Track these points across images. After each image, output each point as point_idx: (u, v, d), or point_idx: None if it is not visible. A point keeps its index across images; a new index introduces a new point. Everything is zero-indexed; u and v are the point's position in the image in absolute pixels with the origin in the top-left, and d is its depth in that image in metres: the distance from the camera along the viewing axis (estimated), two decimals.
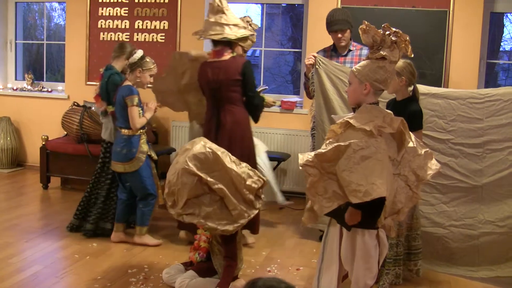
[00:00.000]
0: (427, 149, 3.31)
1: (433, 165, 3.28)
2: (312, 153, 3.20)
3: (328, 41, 6.51)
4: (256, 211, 3.86)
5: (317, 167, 3.15)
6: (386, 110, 3.34)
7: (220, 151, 3.76)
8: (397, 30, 3.17)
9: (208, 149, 3.70)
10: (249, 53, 9.42)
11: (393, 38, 3.15)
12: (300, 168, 3.18)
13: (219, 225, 3.70)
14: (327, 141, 3.23)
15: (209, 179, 3.65)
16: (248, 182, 3.78)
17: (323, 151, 3.14)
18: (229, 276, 3.98)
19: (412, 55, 3.29)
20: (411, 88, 4.19)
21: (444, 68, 6.26)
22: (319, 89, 4.98)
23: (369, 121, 3.14)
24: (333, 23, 5.31)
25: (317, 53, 5.22)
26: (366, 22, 3.23)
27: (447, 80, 6.27)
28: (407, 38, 3.19)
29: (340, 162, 3.09)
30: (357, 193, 3.01)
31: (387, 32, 3.16)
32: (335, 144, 3.12)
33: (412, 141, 3.22)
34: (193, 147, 3.73)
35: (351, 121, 3.15)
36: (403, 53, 3.27)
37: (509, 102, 4.38)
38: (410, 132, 3.28)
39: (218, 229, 3.71)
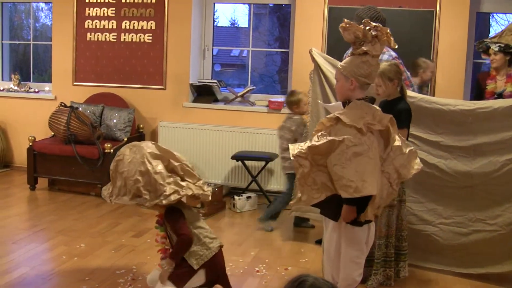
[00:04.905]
0: (412, 148, 3.38)
1: (416, 164, 3.37)
2: (304, 145, 3.25)
3: (315, 41, 6.55)
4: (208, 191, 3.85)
5: (308, 159, 3.22)
6: (376, 107, 3.37)
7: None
8: (377, 24, 3.22)
9: (148, 143, 3.79)
10: (236, 53, 9.41)
11: (373, 33, 3.21)
12: (292, 158, 3.23)
13: (201, 191, 3.72)
14: (319, 134, 3.27)
15: (170, 159, 3.70)
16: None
17: (316, 144, 3.20)
18: (182, 278, 3.67)
19: (396, 46, 3.33)
20: (399, 87, 4.21)
21: None
22: (317, 81, 4.99)
23: (359, 117, 3.19)
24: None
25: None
26: (345, 20, 3.28)
27: (433, 80, 6.30)
28: (388, 30, 3.24)
29: (332, 156, 3.16)
30: (348, 188, 3.10)
31: (367, 27, 3.20)
32: (329, 138, 3.19)
33: (398, 139, 3.29)
34: (138, 144, 3.75)
35: (341, 117, 3.21)
36: (387, 46, 3.32)
37: (499, 109, 4.42)
38: (397, 130, 3.35)
39: (203, 193, 3.72)
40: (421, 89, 5.80)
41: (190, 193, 3.63)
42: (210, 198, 3.84)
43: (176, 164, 3.70)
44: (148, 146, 3.71)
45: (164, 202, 3.57)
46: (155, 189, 3.58)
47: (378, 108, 3.35)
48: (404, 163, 3.29)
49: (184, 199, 3.71)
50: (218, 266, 3.77)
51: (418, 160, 3.39)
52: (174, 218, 3.70)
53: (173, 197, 3.57)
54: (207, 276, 3.71)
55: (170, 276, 3.62)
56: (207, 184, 3.91)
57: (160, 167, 3.62)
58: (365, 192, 3.09)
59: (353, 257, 3.42)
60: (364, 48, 3.24)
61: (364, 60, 3.26)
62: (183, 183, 3.66)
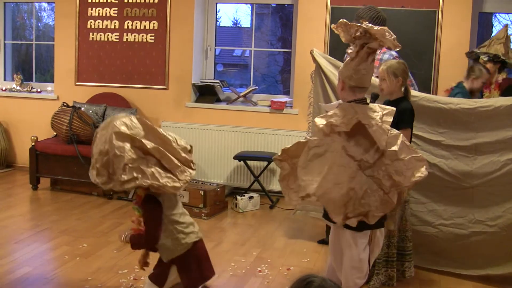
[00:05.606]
0: (418, 155, 3.22)
1: (418, 172, 3.18)
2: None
3: (317, 41, 6.55)
4: (194, 172, 3.60)
5: (287, 162, 3.25)
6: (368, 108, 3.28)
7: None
8: (366, 25, 3.15)
9: (131, 117, 3.48)
10: (238, 53, 9.42)
11: (358, 34, 3.16)
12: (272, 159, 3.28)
13: (167, 182, 3.35)
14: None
15: (143, 140, 3.38)
16: (180, 142, 3.63)
17: (288, 146, 3.25)
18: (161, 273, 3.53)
19: (398, 48, 3.25)
20: (403, 87, 4.20)
21: (433, 68, 6.29)
22: (318, 81, 5.00)
23: (331, 118, 3.15)
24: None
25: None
26: (343, 20, 3.22)
27: (436, 79, 6.30)
28: (375, 28, 3.14)
29: (299, 158, 3.19)
30: (300, 188, 3.14)
31: (355, 29, 3.18)
32: (298, 140, 3.24)
33: (397, 145, 3.14)
34: (113, 120, 3.42)
35: (316, 118, 3.23)
36: (387, 48, 3.29)
37: (501, 108, 4.42)
38: (400, 135, 3.21)
39: (167, 185, 3.34)
40: (471, 94, 5.76)
41: (148, 183, 3.29)
42: (177, 191, 3.46)
43: (150, 146, 3.38)
44: (121, 123, 3.37)
45: (118, 188, 3.33)
46: (113, 172, 3.33)
47: (369, 109, 3.23)
48: (400, 169, 3.12)
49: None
50: (191, 260, 3.48)
51: (423, 169, 3.20)
52: (150, 214, 3.45)
53: (127, 185, 3.29)
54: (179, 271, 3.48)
55: (151, 277, 3.52)
56: (189, 175, 3.55)
57: (124, 149, 3.29)
58: (307, 190, 3.07)
59: (352, 262, 3.40)
60: (347, 50, 3.26)
61: (347, 62, 3.27)
62: (149, 170, 3.33)
